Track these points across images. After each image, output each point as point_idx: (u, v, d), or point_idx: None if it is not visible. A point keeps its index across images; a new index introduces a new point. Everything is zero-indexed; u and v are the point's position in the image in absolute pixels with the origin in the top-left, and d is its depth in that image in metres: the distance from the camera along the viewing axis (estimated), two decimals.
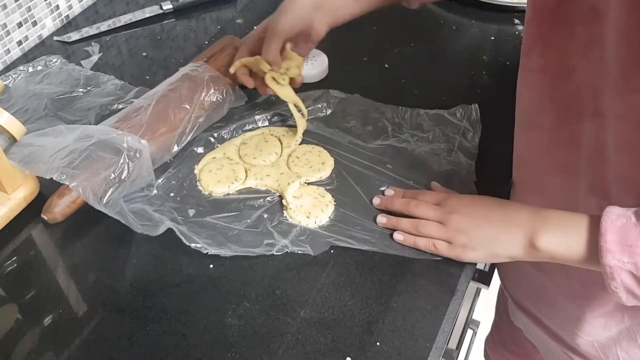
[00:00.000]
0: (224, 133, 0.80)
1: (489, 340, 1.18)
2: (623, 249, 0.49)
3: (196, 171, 0.75)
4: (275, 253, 0.65)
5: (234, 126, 0.80)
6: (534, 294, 0.74)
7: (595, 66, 0.51)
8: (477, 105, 0.82)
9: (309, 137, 0.79)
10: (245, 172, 0.75)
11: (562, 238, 0.56)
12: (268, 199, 0.72)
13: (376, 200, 0.71)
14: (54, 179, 0.65)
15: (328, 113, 0.83)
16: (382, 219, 0.69)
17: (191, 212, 0.70)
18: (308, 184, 0.73)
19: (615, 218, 0.50)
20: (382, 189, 0.73)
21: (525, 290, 0.76)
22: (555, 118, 0.59)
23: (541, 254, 0.58)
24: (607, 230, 0.50)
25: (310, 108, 0.82)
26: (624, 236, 0.49)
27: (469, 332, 1.14)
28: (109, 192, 0.66)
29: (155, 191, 0.71)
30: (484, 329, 1.19)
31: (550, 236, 0.57)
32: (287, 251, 0.66)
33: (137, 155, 0.68)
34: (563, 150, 0.59)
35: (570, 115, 0.57)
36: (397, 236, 0.67)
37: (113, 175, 0.67)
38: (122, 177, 0.67)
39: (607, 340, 0.66)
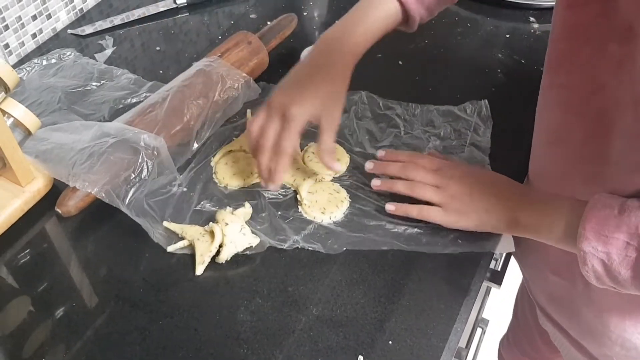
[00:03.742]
0: (241, 126, 0.79)
1: (504, 342, 1.17)
2: (599, 237, 0.51)
3: (212, 164, 0.75)
4: (286, 248, 0.65)
5: None
6: (556, 301, 0.73)
7: (626, 84, 0.50)
8: (486, 100, 0.82)
9: None
10: None
11: (545, 217, 0.58)
12: (283, 193, 0.72)
13: (369, 165, 0.70)
14: (77, 187, 0.66)
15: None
16: (376, 181, 0.69)
17: (207, 205, 0.70)
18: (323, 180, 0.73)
19: (600, 207, 0.52)
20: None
21: (548, 296, 0.75)
22: (582, 134, 0.57)
23: (524, 230, 0.61)
24: (589, 219, 0.52)
25: None
26: (603, 226, 0.51)
27: (478, 331, 1.14)
28: (131, 192, 0.67)
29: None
30: (493, 328, 1.19)
31: (534, 214, 0.59)
32: (298, 247, 0.65)
33: (155, 153, 0.68)
34: (591, 164, 0.57)
35: (599, 130, 0.55)
36: (389, 207, 0.67)
37: (133, 175, 0.67)
38: (143, 176, 0.68)
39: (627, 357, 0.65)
